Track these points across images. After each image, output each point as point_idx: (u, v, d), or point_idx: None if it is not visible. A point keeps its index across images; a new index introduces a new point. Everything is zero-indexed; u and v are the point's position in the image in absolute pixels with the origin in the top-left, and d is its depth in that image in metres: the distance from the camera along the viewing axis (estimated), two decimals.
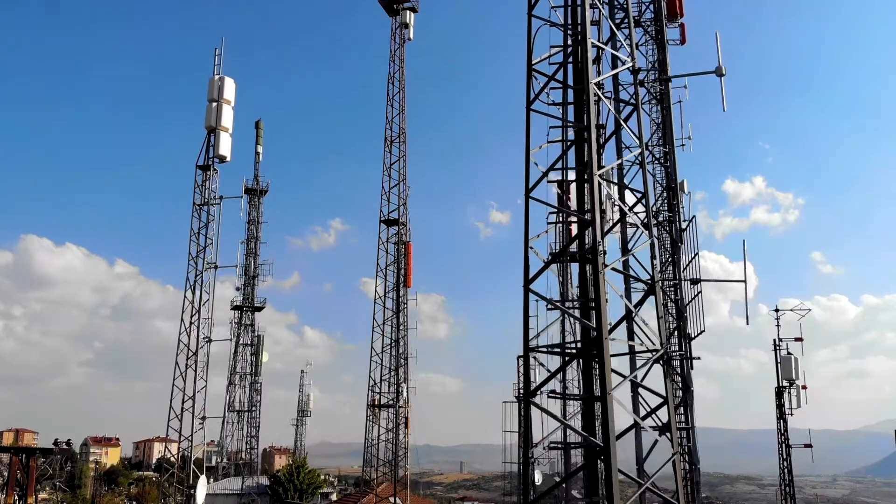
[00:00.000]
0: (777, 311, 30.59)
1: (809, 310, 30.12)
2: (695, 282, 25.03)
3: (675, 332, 25.20)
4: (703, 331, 24.96)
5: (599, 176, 14.59)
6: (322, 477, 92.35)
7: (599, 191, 14.39)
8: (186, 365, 38.28)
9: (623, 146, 18.28)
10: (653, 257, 14.15)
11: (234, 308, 77.28)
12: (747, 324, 28.66)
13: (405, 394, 55.10)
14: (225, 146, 38.96)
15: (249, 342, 76.77)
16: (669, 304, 24.34)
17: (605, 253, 13.19)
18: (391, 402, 55.36)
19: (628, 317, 14.56)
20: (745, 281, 27.89)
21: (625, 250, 16.27)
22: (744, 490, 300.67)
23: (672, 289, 23.78)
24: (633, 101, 17.17)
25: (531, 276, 14.56)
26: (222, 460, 79.20)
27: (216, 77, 39.05)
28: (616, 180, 17.66)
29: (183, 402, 38.38)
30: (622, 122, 16.34)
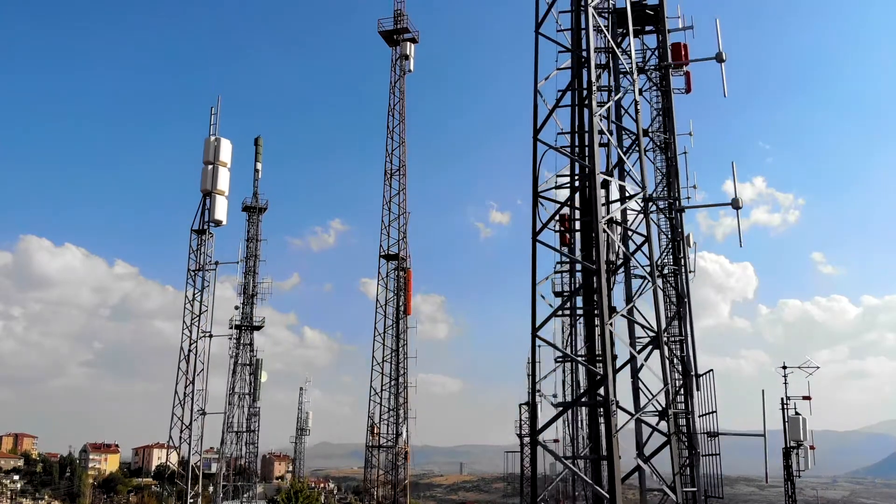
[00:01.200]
0: (784, 367, 30.06)
1: (818, 367, 29.58)
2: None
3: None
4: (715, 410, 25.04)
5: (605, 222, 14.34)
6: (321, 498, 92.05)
7: (607, 239, 14.14)
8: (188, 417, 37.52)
9: (626, 195, 17.89)
10: (657, 309, 13.83)
11: (234, 327, 76.21)
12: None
13: (405, 434, 54.58)
14: (221, 210, 37.03)
15: (248, 362, 75.93)
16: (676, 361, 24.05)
17: (613, 309, 12.85)
18: (390, 443, 54.53)
19: (634, 370, 14.23)
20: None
21: (629, 298, 15.98)
22: (744, 491, 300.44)
23: (677, 343, 23.48)
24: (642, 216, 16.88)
25: (538, 323, 14.43)
26: (222, 467, 78.84)
27: (212, 138, 36.95)
28: (620, 222, 17.33)
29: (182, 420, 38.17)
30: (636, 247, 16.01)
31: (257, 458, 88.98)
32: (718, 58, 26.03)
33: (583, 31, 18.07)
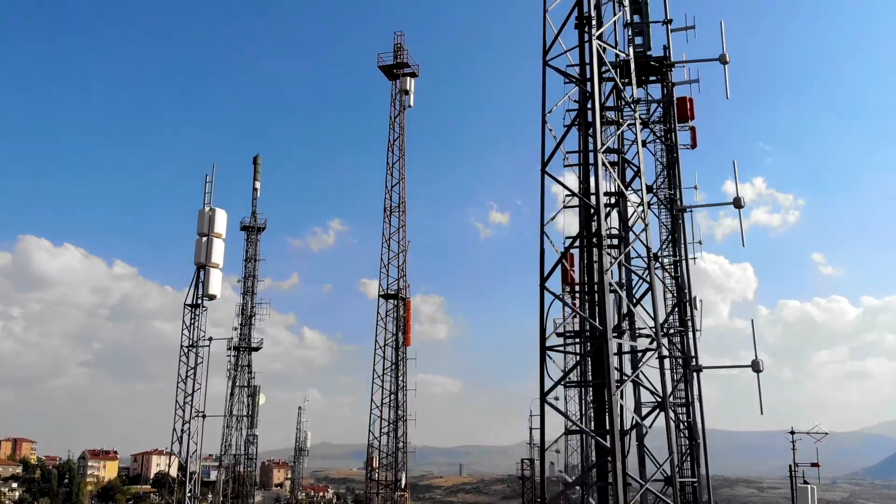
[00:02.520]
0: (792, 433, 29.71)
1: (826, 433, 29.20)
2: None
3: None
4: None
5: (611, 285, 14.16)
6: None
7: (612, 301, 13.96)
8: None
9: (632, 253, 17.66)
10: (662, 374, 13.61)
11: (231, 348, 75.30)
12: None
13: (404, 480, 54.14)
14: (215, 284, 35.56)
15: (246, 384, 75.24)
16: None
17: (620, 381, 12.62)
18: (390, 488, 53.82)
19: (640, 437, 14.02)
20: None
21: (634, 364, 15.75)
22: (743, 493, 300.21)
23: (683, 408, 23.22)
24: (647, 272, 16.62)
25: (546, 389, 14.13)
26: (221, 475, 78.56)
27: (206, 208, 35.23)
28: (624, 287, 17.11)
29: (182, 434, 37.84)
30: (636, 302, 15.78)
31: (256, 463, 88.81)
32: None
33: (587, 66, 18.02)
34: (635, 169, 16.67)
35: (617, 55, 19.20)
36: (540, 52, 17.74)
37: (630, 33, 22.25)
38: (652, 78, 25.48)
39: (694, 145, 26.78)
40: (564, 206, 18.77)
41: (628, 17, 22.59)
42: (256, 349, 76.53)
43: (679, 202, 24.83)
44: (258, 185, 78.98)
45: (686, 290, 24.01)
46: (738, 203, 25.14)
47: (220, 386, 73.92)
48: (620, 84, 17.88)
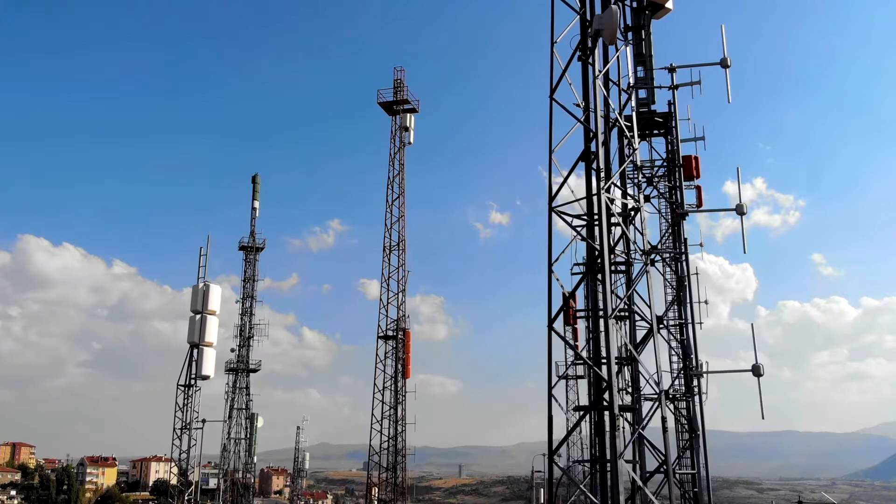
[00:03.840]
0: (800, 502, 29.40)
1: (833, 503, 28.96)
2: None
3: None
4: None
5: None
6: None
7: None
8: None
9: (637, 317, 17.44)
10: (665, 439, 13.39)
11: (229, 370, 74.43)
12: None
13: None
14: (208, 364, 34.54)
15: (244, 406, 74.58)
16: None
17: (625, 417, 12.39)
18: None
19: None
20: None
21: (638, 420, 15.53)
22: (743, 495, 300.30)
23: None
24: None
25: (554, 447, 13.97)
26: (220, 482, 78.24)
27: (200, 284, 33.92)
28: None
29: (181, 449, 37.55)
30: (636, 354, 15.54)
31: (255, 469, 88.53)
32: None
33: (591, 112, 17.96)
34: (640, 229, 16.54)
35: (620, 93, 19.10)
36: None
37: (632, 77, 21.88)
38: (657, 131, 25.13)
39: (700, 205, 26.37)
40: (575, 263, 18.59)
41: (631, 67, 22.19)
42: (254, 371, 75.68)
43: (685, 263, 24.47)
44: (257, 204, 77.84)
45: (693, 356, 23.67)
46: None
47: (219, 385, 73.44)
48: (626, 130, 17.72)
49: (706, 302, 24.55)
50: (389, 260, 55.98)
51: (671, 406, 23.34)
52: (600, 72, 17.65)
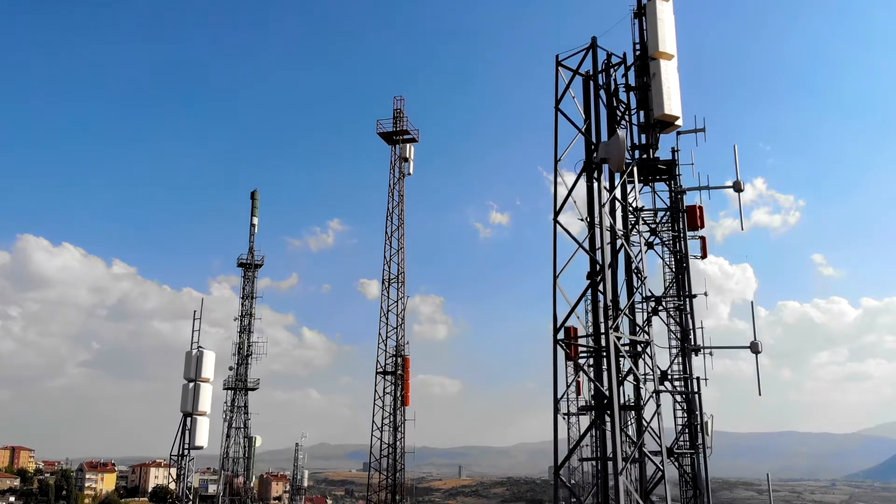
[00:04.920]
0: None
1: None
2: None
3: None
4: None
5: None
6: None
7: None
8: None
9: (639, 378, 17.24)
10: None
11: (227, 388, 73.59)
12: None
13: None
14: (202, 434, 33.17)
15: (242, 425, 73.72)
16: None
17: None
18: None
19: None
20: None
21: (642, 477, 15.29)
22: (743, 496, 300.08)
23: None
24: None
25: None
26: (219, 489, 77.94)
27: (194, 350, 32.37)
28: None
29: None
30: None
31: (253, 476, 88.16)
32: (736, 187, 25.38)
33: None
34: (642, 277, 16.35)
35: (626, 108, 18.96)
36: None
37: (639, 199, 21.73)
38: (659, 177, 24.41)
39: (704, 255, 26.01)
40: (577, 300, 18.49)
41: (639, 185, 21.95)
42: (253, 389, 74.66)
43: (690, 315, 24.05)
44: (256, 220, 77.16)
45: (697, 412, 23.37)
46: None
47: (218, 385, 72.90)
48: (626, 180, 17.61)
49: (711, 353, 24.20)
50: (388, 293, 54.88)
51: (675, 462, 23.07)
52: (606, 200, 17.66)
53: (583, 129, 18.59)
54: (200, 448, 32.20)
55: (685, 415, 23.65)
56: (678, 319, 23.98)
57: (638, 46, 22.21)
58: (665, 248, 24.72)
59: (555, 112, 18.26)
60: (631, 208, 19.10)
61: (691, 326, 23.87)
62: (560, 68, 19.56)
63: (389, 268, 55.75)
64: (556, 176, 17.57)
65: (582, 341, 18.41)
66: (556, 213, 17.77)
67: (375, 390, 53.83)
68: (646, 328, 18.11)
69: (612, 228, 17.30)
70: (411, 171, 58.22)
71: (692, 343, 23.53)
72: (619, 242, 17.61)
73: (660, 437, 15.21)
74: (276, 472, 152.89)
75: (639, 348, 17.40)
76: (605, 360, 15.32)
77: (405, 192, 57.33)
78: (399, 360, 53.99)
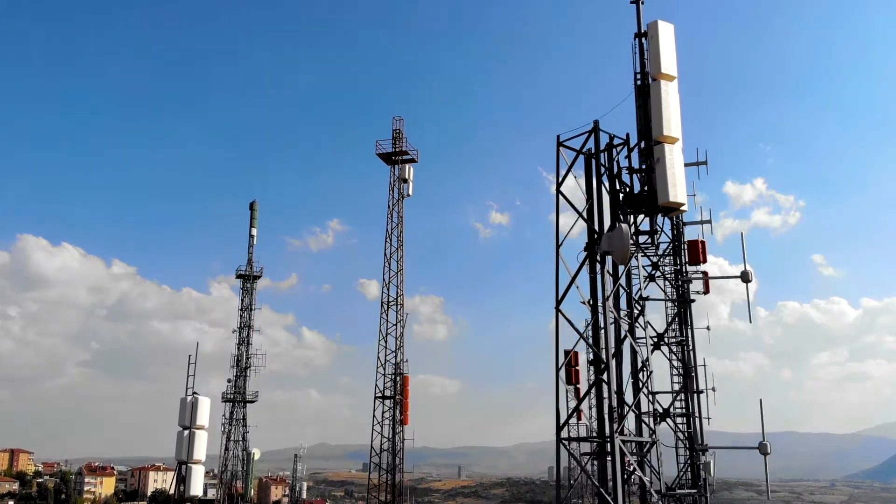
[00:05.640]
0: None
1: None
2: None
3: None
4: None
5: None
6: None
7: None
8: None
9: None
10: None
11: (225, 401, 72.66)
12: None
13: None
14: (197, 483, 31.96)
15: (241, 438, 72.80)
16: None
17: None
18: None
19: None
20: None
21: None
22: (742, 497, 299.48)
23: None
24: None
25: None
26: (219, 494, 77.73)
27: (189, 396, 31.24)
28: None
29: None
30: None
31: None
32: (744, 277, 24.97)
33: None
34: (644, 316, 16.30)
35: (629, 191, 18.58)
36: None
37: (643, 290, 21.29)
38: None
39: (706, 291, 25.43)
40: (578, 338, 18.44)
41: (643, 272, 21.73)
42: (251, 402, 73.90)
43: (692, 352, 23.87)
44: (255, 231, 76.54)
45: (701, 452, 23.21)
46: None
47: (219, 386, 72.36)
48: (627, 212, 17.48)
49: (714, 389, 23.99)
50: (387, 316, 54.33)
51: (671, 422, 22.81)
52: (609, 292, 17.45)
53: (584, 211, 18.26)
54: (195, 497, 31.18)
55: (687, 452, 23.44)
56: (680, 356, 23.79)
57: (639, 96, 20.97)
58: (666, 282, 24.43)
59: (556, 195, 17.89)
60: (636, 298, 18.83)
61: (693, 364, 23.54)
62: (561, 148, 19.19)
63: (388, 290, 55.09)
64: (557, 263, 17.38)
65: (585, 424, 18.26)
66: (559, 302, 17.70)
67: (374, 416, 53.14)
68: (652, 426, 17.89)
69: (617, 322, 17.17)
70: (410, 193, 57.62)
71: (696, 386, 23.30)
72: (623, 332, 17.39)
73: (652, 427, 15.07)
74: (274, 475, 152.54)
75: (644, 448, 17.14)
76: (609, 462, 15.06)
77: (404, 214, 56.62)
78: (398, 379, 53.14)
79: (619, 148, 20.19)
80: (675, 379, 23.95)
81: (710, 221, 25.16)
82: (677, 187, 19.79)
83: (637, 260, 18.94)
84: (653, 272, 24.19)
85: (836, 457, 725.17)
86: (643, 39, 21.45)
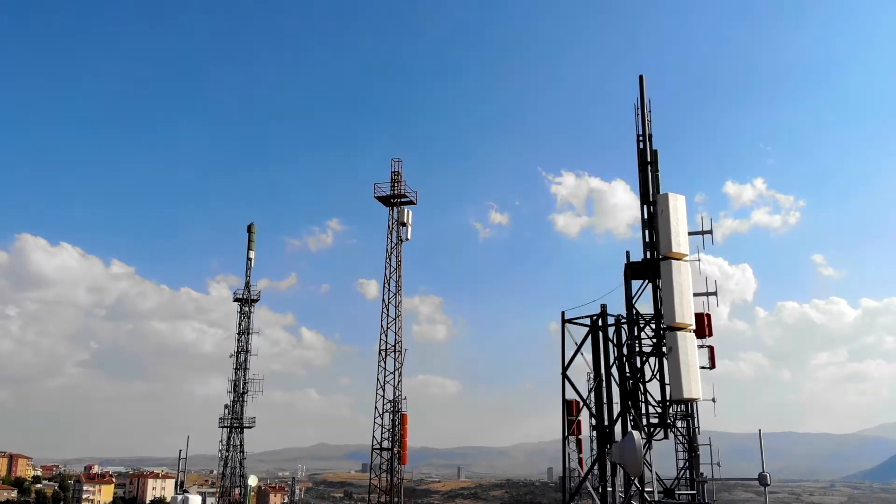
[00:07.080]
0: None
1: None
2: None
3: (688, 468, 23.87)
4: None
5: None
6: None
7: None
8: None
9: None
10: None
11: (223, 427, 72.08)
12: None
13: None
14: None
15: (238, 464, 71.83)
16: None
17: None
18: None
19: None
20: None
21: None
22: (742, 497, 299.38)
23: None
24: None
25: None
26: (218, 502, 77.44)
27: (179, 495, 31.30)
28: None
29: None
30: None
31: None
32: (762, 480, 23.88)
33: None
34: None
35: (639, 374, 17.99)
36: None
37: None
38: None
39: (713, 366, 24.22)
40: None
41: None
42: (249, 427, 73.30)
43: (694, 430, 23.47)
44: (252, 254, 76.24)
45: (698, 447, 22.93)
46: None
47: (219, 385, 71.90)
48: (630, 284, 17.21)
49: (718, 464, 23.58)
50: (385, 364, 53.70)
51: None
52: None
53: (592, 391, 17.89)
54: None
55: (686, 453, 23.11)
56: (684, 438, 23.46)
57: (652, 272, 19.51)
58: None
59: (562, 379, 16.98)
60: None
61: (697, 432, 23.13)
62: (567, 325, 18.68)
63: (387, 336, 54.39)
64: (564, 453, 16.84)
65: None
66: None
67: (371, 468, 52.36)
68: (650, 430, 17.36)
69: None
70: (409, 237, 56.97)
71: (700, 474, 22.92)
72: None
73: None
74: (273, 481, 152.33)
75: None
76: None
77: (403, 259, 56.06)
78: (397, 417, 52.57)
79: (625, 326, 19.17)
80: (681, 457, 23.71)
81: (716, 293, 23.45)
82: (692, 382, 18.34)
83: (638, 330, 18.37)
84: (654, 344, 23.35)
85: (836, 457, 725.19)
86: (652, 207, 19.96)
